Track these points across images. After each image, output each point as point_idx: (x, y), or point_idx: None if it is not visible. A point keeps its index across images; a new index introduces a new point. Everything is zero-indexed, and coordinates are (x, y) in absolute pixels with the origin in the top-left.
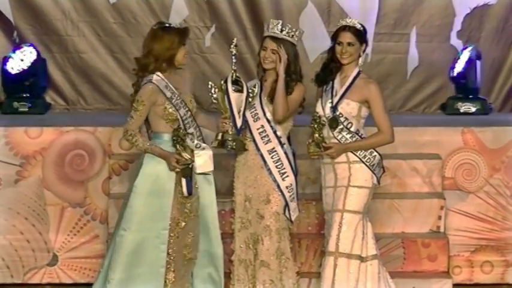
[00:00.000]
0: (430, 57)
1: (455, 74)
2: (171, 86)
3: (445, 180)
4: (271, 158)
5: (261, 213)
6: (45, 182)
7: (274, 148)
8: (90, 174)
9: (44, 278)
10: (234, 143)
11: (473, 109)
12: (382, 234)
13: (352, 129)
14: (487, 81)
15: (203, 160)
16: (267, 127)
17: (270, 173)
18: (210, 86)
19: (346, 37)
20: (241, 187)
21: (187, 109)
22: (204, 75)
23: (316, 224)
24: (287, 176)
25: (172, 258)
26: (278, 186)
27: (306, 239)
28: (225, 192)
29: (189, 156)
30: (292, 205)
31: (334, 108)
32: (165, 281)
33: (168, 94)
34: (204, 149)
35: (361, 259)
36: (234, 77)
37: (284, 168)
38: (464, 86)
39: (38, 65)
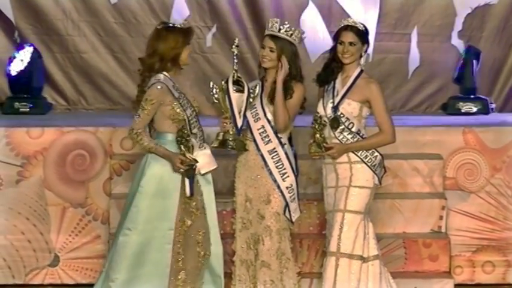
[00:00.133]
0: (431, 57)
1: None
2: (177, 85)
3: (446, 180)
4: (272, 158)
5: (262, 213)
6: (46, 182)
7: (274, 148)
8: (91, 174)
9: (45, 278)
10: (235, 143)
11: (474, 109)
12: (383, 235)
13: (353, 129)
14: (487, 81)
15: (206, 160)
16: (268, 127)
17: (271, 173)
18: (211, 86)
19: (348, 37)
20: (242, 187)
21: (192, 109)
22: (205, 75)
23: (317, 224)
24: (287, 177)
25: (182, 257)
26: (278, 186)
27: (308, 239)
28: (226, 192)
29: (194, 157)
30: (293, 206)
31: (335, 108)
32: (178, 280)
33: (176, 94)
34: (205, 148)
35: (363, 259)
36: (235, 77)
37: (284, 169)
38: (462, 86)
39: (33, 65)
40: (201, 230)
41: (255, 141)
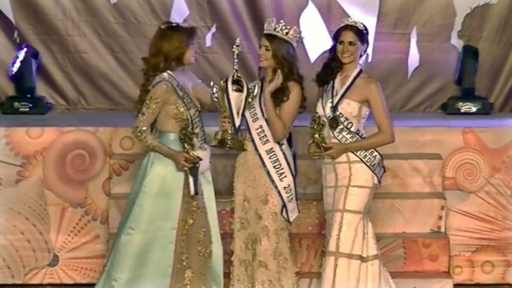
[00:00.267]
0: (430, 57)
1: None
2: (181, 85)
3: (445, 180)
4: (269, 158)
5: (259, 213)
6: (46, 182)
7: (272, 148)
8: (90, 174)
9: (44, 278)
10: (233, 143)
11: (474, 109)
12: (382, 234)
13: (352, 129)
14: (487, 81)
15: (205, 161)
16: (266, 127)
17: (268, 173)
18: (211, 85)
19: (348, 36)
20: (240, 187)
21: (196, 109)
22: (205, 75)
23: (316, 224)
24: (285, 177)
25: (186, 256)
26: (276, 186)
27: (307, 239)
28: (225, 192)
29: (197, 155)
30: (291, 206)
31: (334, 108)
32: (185, 279)
33: (180, 93)
34: (205, 149)
35: (362, 259)
36: (235, 76)
37: (282, 169)
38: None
39: (25, 66)
40: (201, 229)
41: (253, 141)
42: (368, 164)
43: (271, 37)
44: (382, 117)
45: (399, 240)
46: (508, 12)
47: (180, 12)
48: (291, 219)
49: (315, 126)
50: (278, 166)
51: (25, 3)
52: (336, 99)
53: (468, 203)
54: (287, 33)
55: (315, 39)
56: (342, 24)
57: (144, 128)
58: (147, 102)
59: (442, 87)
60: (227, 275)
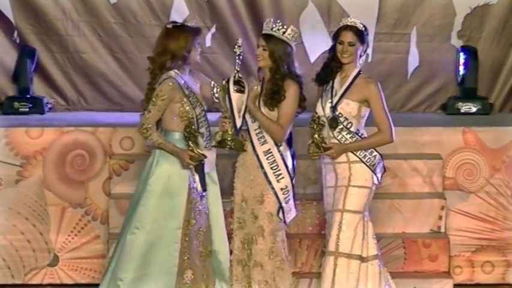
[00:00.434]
0: (430, 57)
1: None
2: (187, 84)
3: (445, 180)
4: (267, 159)
5: (256, 213)
6: (45, 182)
7: (270, 150)
8: (90, 174)
9: (44, 278)
10: (233, 143)
11: (473, 109)
12: (382, 234)
13: (352, 129)
14: (487, 81)
15: (210, 162)
16: None
17: (265, 174)
18: (212, 85)
19: (348, 36)
20: (239, 187)
21: (202, 108)
22: (204, 75)
23: (316, 224)
24: (282, 178)
25: (187, 256)
26: (272, 188)
27: (307, 239)
28: (225, 192)
29: (202, 152)
30: (287, 207)
31: (333, 108)
32: (185, 278)
33: (186, 92)
34: (210, 149)
35: (362, 259)
36: (236, 77)
37: (279, 170)
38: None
39: (19, 66)
40: (202, 229)
41: (251, 141)
42: (368, 164)
43: (268, 37)
44: (381, 117)
45: (399, 240)
46: (507, 13)
47: (179, 12)
48: (287, 220)
49: (315, 127)
50: (275, 167)
51: (25, 4)
52: (335, 99)
53: (468, 203)
54: (284, 33)
55: (314, 39)
56: (342, 25)
57: (149, 126)
58: (153, 99)
59: (441, 87)
60: None
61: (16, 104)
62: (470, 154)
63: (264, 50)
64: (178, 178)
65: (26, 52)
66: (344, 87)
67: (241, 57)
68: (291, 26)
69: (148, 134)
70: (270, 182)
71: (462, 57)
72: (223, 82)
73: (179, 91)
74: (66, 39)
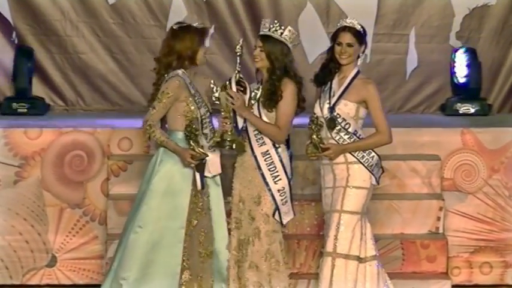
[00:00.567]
0: (429, 58)
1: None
2: (193, 84)
3: (444, 181)
4: (265, 160)
5: (253, 214)
6: (44, 182)
7: (268, 151)
8: (89, 175)
9: (42, 279)
10: (233, 144)
11: (472, 110)
12: (381, 235)
13: (350, 129)
14: (486, 81)
15: (214, 163)
16: None
17: (263, 175)
18: (211, 86)
19: (346, 38)
20: (238, 188)
21: (207, 109)
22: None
23: (315, 225)
24: (279, 179)
25: (186, 257)
26: (269, 189)
27: (305, 240)
28: (224, 192)
29: (203, 151)
30: (284, 208)
31: (331, 108)
32: (181, 279)
33: (192, 91)
34: (214, 151)
35: (359, 260)
36: (237, 77)
37: (277, 172)
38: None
39: (17, 67)
40: (203, 230)
41: (250, 142)
42: (366, 164)
43: (265, 38)
44: (379, 118)
45: (397, 241)
46: (506, 13)
47: (178, 13)
48: (284, 222)
49: (313, 127)
50: (273, 169)
51: (23, 4)
52: (333, 100)
53: (466, 204)
54: (281, 33)
55: (313, 40)
56: (340, 25)
57: (153, 122)
58: (159, 96)
59: (440, 88)
60: None
61: (14, 105)
62: (469, 155)
63: (261, 50)
64: (181, 178)
65: (23, 53)
66: (342, 88)
67: (242, 57)
68: (289, 27)
69: (152, 131)
70: (267, 184)
71: (464, 58)
72: (226, 82)
73: (185, 90)
74: (64, 40)
